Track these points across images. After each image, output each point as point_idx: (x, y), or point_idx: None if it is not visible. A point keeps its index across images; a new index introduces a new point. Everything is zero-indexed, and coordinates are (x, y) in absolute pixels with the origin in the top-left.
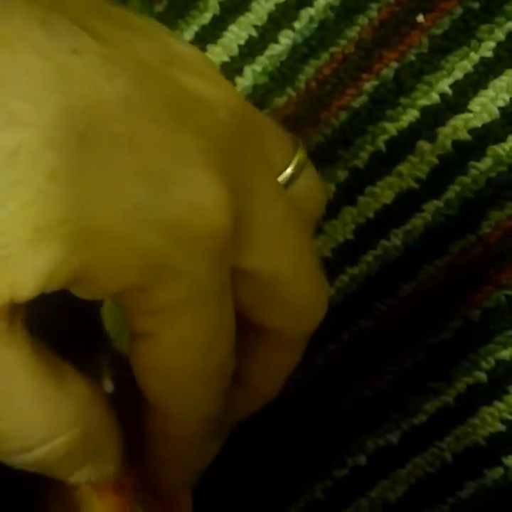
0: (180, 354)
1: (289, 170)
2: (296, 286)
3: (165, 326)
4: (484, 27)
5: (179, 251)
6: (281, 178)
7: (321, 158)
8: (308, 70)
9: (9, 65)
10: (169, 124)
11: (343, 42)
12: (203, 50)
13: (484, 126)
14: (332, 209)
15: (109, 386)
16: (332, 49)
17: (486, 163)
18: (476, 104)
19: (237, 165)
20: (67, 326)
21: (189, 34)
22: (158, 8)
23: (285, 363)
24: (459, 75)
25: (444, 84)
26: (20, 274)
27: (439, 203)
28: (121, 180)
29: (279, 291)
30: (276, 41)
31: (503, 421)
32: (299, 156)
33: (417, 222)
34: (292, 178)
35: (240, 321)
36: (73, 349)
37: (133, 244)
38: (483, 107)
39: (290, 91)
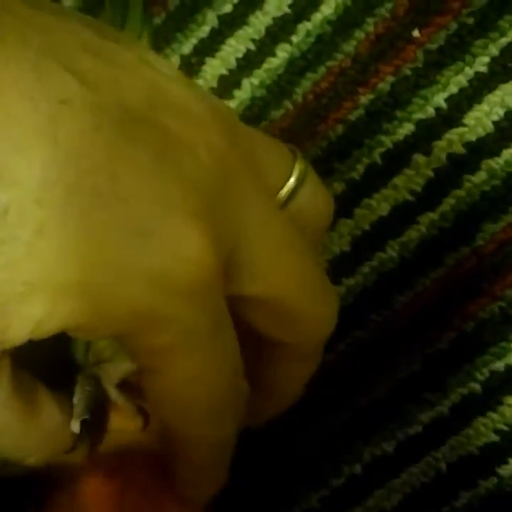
0: (186, 388)
1: (291, 180)
2: (303, 305)
3: (166, 365)
4: (479, 42)
5: (165, 300)
6: (283, 191)
7: (318, 170)
8: (305, 84)
9: (4, 117)
10: (152, 172)
11: (339, 56)
12: (202, 63)
13: (479, 140)
14: None
15: (75, 427)
16: (329, 63)
17: (480, 176)
18: (470, 119)
19: (224, 202)
20: (44, 357)
21: (187, 47)
22: (157, 21)
23: (302, 371)
24: (453, 89)
25: (439, 99)
26: (9, 324)
27: (434, 216)
28: (105, 232)
29: (286, 311)
30: (274, 55)
31: (497, 431)
32: (299, 166)
33: (413, 234)
34: (295, 189)
35: (256, 334)
36: (51, 377)
37: (119, 295)
38: (478, 121)
39: (287, 104)
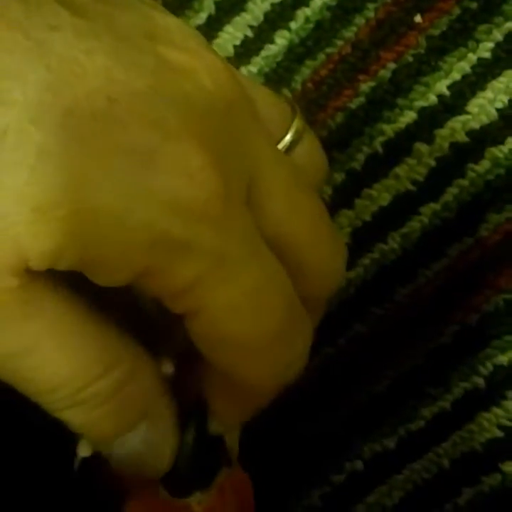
0: (233, 322)
1: (287, 137)
2: (314, 250)
3: (203, 301)
4: (482, 27)
5: (180, 223)
6: (280, 146)
7: None
8: (305, 71)
9: None
10: (150, 95)
11: (339, 42)
12: None
13: (482, 128)
14: (328, 212)
15: (168, 367)
16: (328, 50)
17: (484, 165)
18: (474, 106)
19: (231, 131)
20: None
21: None
22: None
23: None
24: (456, 76)
25: (442, 86)
26: (27, 244)
27: (436, 206)
28: (107, 156)
29: (297, 256)
30: (272, 42)
31: (501, 427)
32: (297, 122)
33: (415, 225)
34: (292, 145)
35: None
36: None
37: (132, 221)
38: (481, 108)
39: (286, 92)
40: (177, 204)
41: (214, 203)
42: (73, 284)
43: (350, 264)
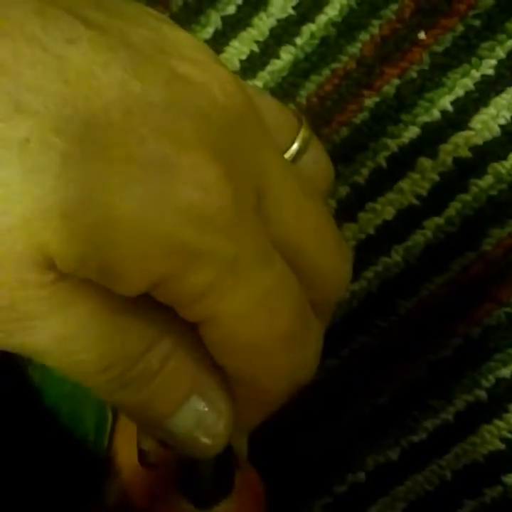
0: (247, 327)
1: (294, 146)
2: (321, 256)
3: (217, 308)
4: (485, 44)
5: (196, 231)
6: (287, 156)
7: None
8: (310, 86)
9: (13, 57)
10: (164, 107)
11: (344, 58)
12: None
13: (485, 143)
14: None
15: None
16: (333, 65)
17: (487, 180)
18: (477, 122)
19: (241, 141)
20: None
21: None
22: None
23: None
24: (460, 92)
25: (446, 101)
26: (53, 250)
27: (439, 220)
28: (125, 167)
29: (304, 262)
30: (278, 57)
31: (503, 439)
32: (304, 131)
33: (418, 238)
34: (298, 154)
35: None
36: None
37: (151, 231)
38: (485, 124)
39: (291, 107)
40: (193, 213)
41: (227, 213)
42: None
43: (354, 277)
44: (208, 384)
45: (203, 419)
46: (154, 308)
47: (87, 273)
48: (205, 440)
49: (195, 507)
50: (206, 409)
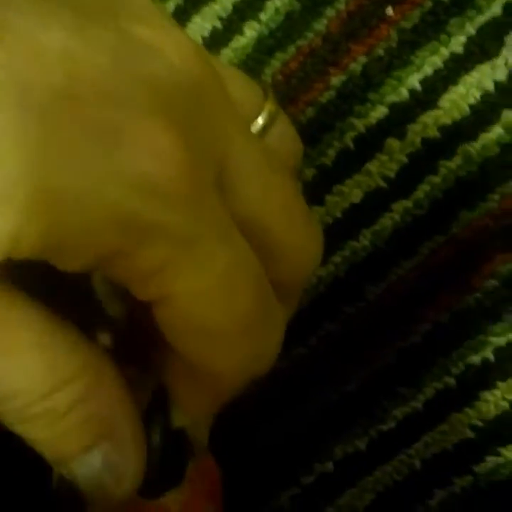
0: (203, 308)
1: (260, 120)
2: (288, 234)
3: (171, 287)
4: (454, 21)
5: (148, 202)
6: (253, 129)
7: None
8: (274, 63)
9: None
10: (112, 70)
11: (310, 34)
12: None
13: (454, 123)
14: None
15: (105, 339)
16: (299, 42)
17: (456, 161)
18: (446, 101)
19: (201, 110)
20: (61, 300)
21: None
22: None
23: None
24: (428, 70)
25: (414, 80)
26: None
27: (408, 203)
28: (69, 136)
29: (270, 241)
30: (242, 33)
31: (473, 427)
32: (270, 105)
33: (386, 222)
34: (265, 127)
35: None
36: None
37: (97, 201)
38: (453, 103)
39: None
40: (144, 183)
41: (182, 183)
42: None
43: (321, 262)
44: (121, 429)
45: (111, 464)
46: (78, 340)
47: (28, 251)
48: (113, 486)
49: (140, 496)
50: (117, 453)
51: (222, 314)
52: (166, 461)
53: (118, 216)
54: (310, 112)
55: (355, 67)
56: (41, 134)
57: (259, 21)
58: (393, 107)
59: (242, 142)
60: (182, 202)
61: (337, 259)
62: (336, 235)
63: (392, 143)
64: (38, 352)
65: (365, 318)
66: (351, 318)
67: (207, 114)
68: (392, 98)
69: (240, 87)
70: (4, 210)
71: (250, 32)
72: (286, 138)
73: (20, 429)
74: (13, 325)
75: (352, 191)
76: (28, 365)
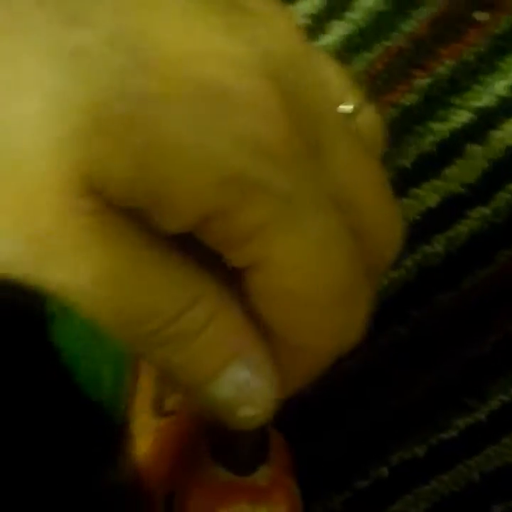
0: (297, 275)
1: (349, 105)
2: (376, 212)
3: (267, 250)
4: None
5: (255, 160)
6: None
7: None
8: (360, 63)
9: None
10: (224, 31)
11: (397, 36)
12: None
13: None
14: None
15: None
16: (386, 42)
17: None
18: None
19: (301, 83)
20: None
21: None
22: None
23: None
24: None
25: (500, 86)
26: (101, 173)
27: (486, 210)
28: (177, 89)
29: (359, 217)
30: (330, 31)
31: None
32: (359, 93)
33: (462, 228)
34: (352, 114)
35: None
36: None
37: (202, 156)
38: None
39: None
40: (250, 142)
41: (288, 147)
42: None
43: (393, 264)
44: (254, 346)
45: (247, 385)
46: (197, 261)
47: (132, 200)
48: (249, 409)
49: (235, 474)
50: (251, 374)
51: (316, 283)
52: (256, 438)
53: (223, 172)
54: (393, 112)
55: (443, 70)
56: (154, 85)
57: (348, 20)
58: (478, 113)
59: (334, 119)
60: (288, 163)
61: (409, 262)
62: (409, 238)
63: (474, 149)
64: (171, 269)
65: (434, 325)
66: (420, 323)
67: (305, 87)
68: (476, 103)
69: (334, 72)
70: (122, 157)
71: (339, 30)
72: (372, 127)
73: (154, 355)
74: (137, 245)
75: (429, 195)
76: (161, 282)
